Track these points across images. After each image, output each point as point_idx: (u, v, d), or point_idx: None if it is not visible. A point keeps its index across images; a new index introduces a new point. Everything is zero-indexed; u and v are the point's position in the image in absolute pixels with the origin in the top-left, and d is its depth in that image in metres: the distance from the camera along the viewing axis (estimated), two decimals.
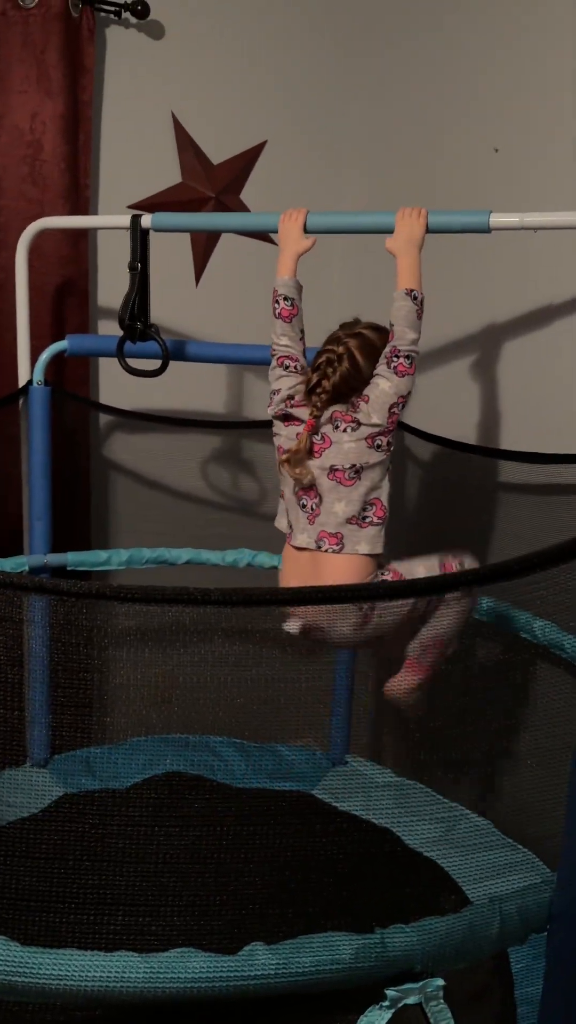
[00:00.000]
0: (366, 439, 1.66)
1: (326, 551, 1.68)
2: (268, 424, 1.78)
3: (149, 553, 2.25)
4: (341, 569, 1.68)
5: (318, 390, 1.68)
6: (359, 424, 1.66)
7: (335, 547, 1.68)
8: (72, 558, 2.19)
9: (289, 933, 1.08)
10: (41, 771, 2.13)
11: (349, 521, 1.67)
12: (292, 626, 1.56)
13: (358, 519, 1.68)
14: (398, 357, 1.65)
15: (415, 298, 1.65)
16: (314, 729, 2.25)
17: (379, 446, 1.66)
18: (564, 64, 1.87)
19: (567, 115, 1.87)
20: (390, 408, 1.65)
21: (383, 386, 1.65)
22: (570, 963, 1.24)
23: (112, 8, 2.25)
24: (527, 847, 1.91)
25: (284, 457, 1.68)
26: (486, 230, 1.65)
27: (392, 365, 1.65)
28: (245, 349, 2.16)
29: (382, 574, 1.71)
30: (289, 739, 2.28)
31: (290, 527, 1.76)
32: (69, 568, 2.19)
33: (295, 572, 1.73)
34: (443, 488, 2.19)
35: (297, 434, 1.70)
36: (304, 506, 1.71)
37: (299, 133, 2.54)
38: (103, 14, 2.26)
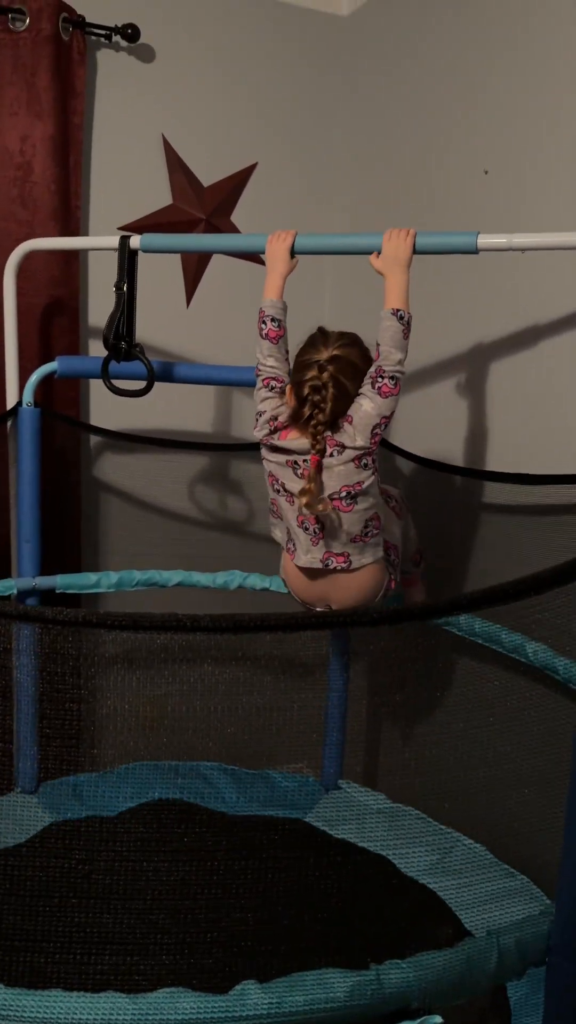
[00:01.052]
0: (353, 460, 1.65)
1: (335, 569, 1.73)
2: (258, 445, 1.76)
3: (139, 575, 2.22)
4: (356, 584, 1.75)
5: (313, 422, 1.64)
6: (344, 447, 1.65)
7: (343, 565, 1.72)
8: (61, 581, 2.16)
9: (282, 970, 1.05)
10: (29, 797, 2.09)
11: (353, 540, 1.71)
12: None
13: (361, 536, 1.70)
14: (383, 378, 1.64)
15: (401, 318, 1.64)
16: (307, 755, 2.22)
17: (366, 465, 1.66)
18: (554, 84, 1.87)
19: (557, 136, 1.87)
20: (372, 429, 1.64)
21: (366, 407, 1.64)
22: (569, 996, 1.21)
23: (102, 31, 2.25)
24: (523, 872, 1.88)
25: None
26: (474, 251, 1.64)
27: (376, 386, 1.64)
28: (234, 370, 2.15)
29: (391, 576, 1.79)
30: (281, 765, 2.25)
31: (292, 546, 1.77)
32: (58, 591, 2.16)
33: (304, 587, 1.79)
34: (435, 509, 2.17)
35: (287, 461, 1.69)
36: (307, 529, 1.72)
37: (289, 155, 2.55)
38: (93, 37, 2.26)
